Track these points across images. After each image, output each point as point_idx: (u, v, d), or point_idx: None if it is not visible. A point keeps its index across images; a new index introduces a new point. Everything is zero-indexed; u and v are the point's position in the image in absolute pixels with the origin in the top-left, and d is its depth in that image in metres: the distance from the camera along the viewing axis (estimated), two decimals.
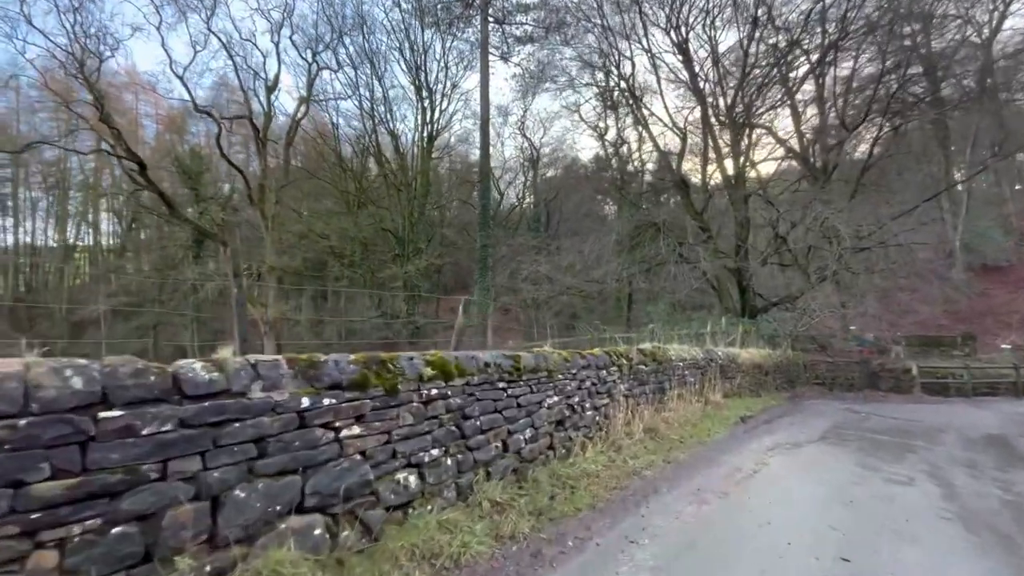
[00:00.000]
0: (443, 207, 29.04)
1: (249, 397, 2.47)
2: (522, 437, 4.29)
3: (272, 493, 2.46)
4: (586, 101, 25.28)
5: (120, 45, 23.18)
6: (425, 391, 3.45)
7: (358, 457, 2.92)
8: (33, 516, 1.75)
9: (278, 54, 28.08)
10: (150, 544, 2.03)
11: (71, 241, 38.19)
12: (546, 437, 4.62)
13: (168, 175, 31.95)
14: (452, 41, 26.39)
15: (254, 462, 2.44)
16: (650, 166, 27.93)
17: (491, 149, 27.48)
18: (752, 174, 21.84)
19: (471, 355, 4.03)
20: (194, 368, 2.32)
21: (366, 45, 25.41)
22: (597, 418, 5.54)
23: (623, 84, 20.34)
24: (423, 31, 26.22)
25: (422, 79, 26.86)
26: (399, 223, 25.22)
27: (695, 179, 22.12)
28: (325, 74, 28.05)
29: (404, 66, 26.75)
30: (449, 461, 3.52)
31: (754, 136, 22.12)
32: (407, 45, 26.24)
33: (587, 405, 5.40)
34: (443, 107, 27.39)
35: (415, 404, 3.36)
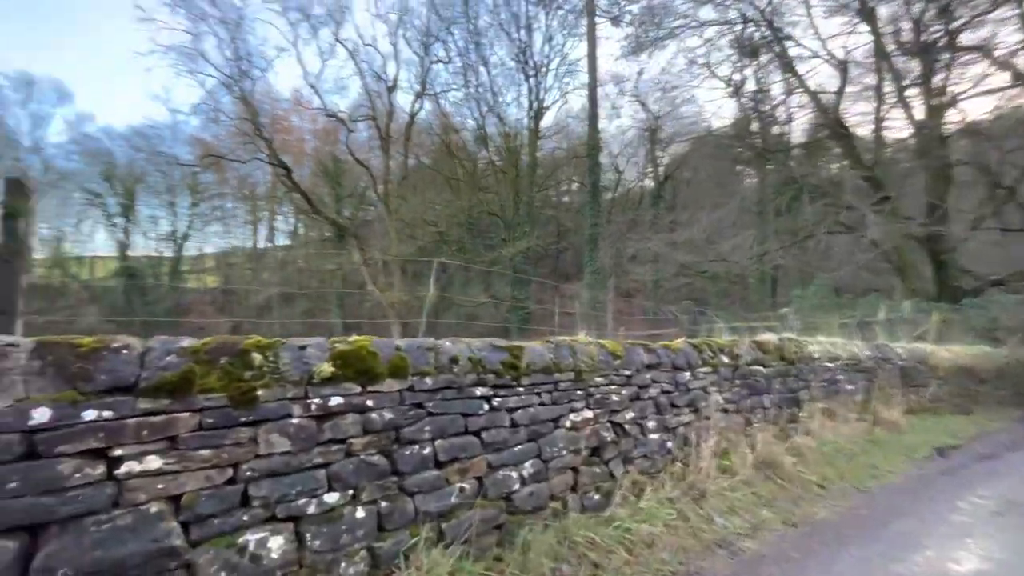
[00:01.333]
0: (550, 188, 27.59)
1: None
2: (516, 474, 2.77)
3: None
4: (716, 51, 21.31)
5: (269, 65, 26.55)
6: (318, 400, 2.18)
7: (155, 508, 1.77)
8: None
9: (396, 55, 29.59)
10: None
11: (257, 243, 46.06)
12: (565, 474, 3.02)
13: (318, 179, 36.18)
14: (556, 9, 24.64)
15: None
16: (799, 123, 22.61)
17: (605, 122, 25.20)
18: (954, 116, 15.94)
19: (428, 344, 2.64)
20: None
21: (470, 27, 25.05)
22: (669, 444, 3.70)
23: (761, 14, 16.38)
24: (526, 3, 24.94)
25: (527, 56, 25.68)
26: (506, 207, 24.57)
27: (862, 132, 17.00)
28: (439, 69, 28.74)
29: (508, 44, 25.85)
30: (360, 512, 2.21)
31: (955, 62, 16.04)
32: (511, 21, 25.25)
33: (650, 425, 3.60)
34: (549, 84, 25.91)
35: (295, 421, 2.11)
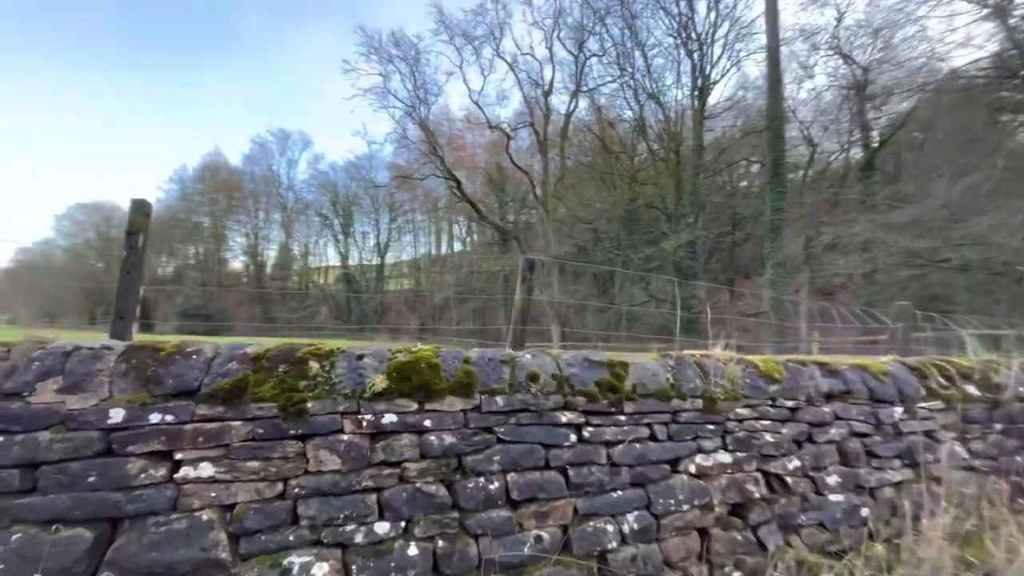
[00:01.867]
0: (721, 172, 24.34)
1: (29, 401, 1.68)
2: (613, 528, 2.15)
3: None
4: None
5: (440, 90, 29.69)
6: (370, 416, 1.97)
7: (207, 517, 1.76)
8: None
9: (551, 58, 30.10)
10: None
11: (440, 250, 52.33)
12: (687, 535, 2.25)
13: (487, 187, 39.15)
14: None
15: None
16: None
17: (791, 87, 21.28)
18: None
19: (502, 357, 2.24)
20: None
21: (624, 12, 23.80)
22: (864, 512, 2.55)
23: None
24: None
25: (688, 30, 23.22)
26: (667, 197, 22.64)
27: None
28: (593, 64, 28.16)
29: (667, 22, 23.76)
30: (413, 549, 1.92)
31: None
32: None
33: (830, 481, 2.53)
34: (715, 56, 22.97)
35: (346, 438, 1.93)
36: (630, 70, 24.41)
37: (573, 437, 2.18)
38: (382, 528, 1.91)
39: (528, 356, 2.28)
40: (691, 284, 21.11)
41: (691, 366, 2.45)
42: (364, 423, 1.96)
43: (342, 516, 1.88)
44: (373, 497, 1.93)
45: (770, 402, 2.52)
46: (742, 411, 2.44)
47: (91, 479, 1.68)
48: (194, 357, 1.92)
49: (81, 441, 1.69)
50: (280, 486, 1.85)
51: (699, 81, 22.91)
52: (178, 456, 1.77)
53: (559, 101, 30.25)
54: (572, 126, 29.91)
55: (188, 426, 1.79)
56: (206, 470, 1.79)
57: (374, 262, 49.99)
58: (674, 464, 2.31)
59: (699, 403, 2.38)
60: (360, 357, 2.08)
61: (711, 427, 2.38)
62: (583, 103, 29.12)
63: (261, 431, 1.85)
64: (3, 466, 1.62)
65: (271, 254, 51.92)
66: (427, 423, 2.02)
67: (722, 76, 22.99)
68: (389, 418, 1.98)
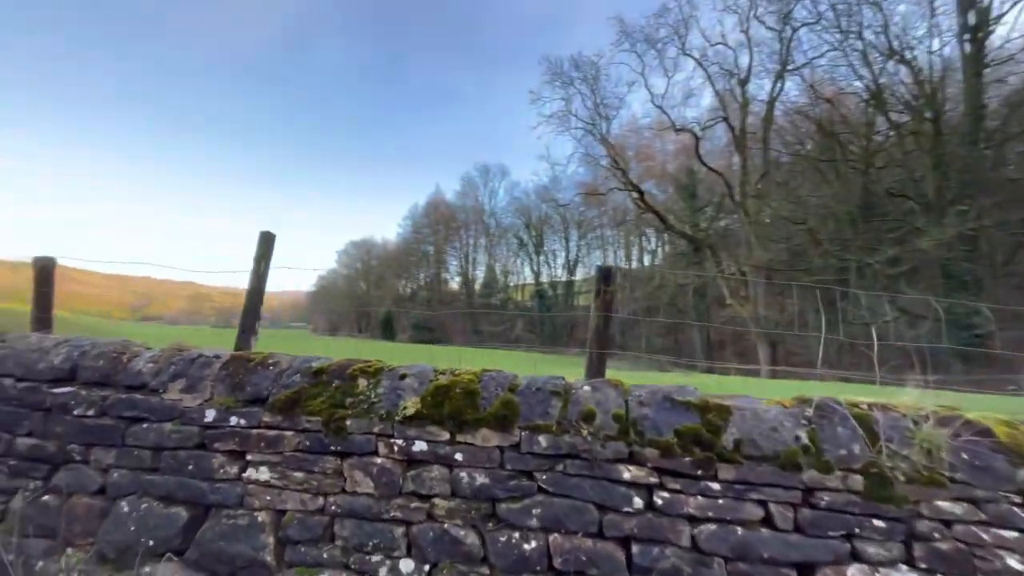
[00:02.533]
0: (1012, 139, 17.12)
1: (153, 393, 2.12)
2: None
3: (152, 523, 1.96)
4: None
5: (622, 102, 29.16)
6: (401, 441, 1.86)
7: (262, 518, 1.90)
8: None
9: (748, 42, 26.51)
10: None
11: (632, 264, 51.25)
12: None
13: (678, 195, 36.70)
14: None
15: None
16: None
17: None
18: None
19: (554, 386, 1.86)
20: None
21: None
22: None
23: None
24: None
25: None
26: (923, 180, 17.24)
27: None
28: (802, 36, 23.66)
29: None
30: None
31: None
32: None
33: None
34: None
35: (379, 461, 1.86)
36: (856, 29, 19.61)
37: (639, 501, 1.64)
38: (407, 567, 1.76)
39: (587, 388, 1.84)
40: (974, 292, 15.42)
41: (845, 420, 1.61)
42: (395, 448, 1.85)
43: (371, 544, 1.80)
44: (401, 530, 1.80)
45: (1017, 497, 1.45)
46: (947, 505, 1.47)
47: (190, 467, 2.00)
48: (271, 367, 2.14)
49: (187, 433, 2.04)
50: (321, 500, 1.88)
51: (971, 18, 16.86)
52: (248, 457, 1.98)
53: (758, 88, 26.31)
54: (780, 113, 25.61)
55: (255, 431, 1.98)
56: (264, 474, 1.94)
57: (564, 279, 51.84)
58: (805, 571, 1.52)
59: (857, 481, 1.52)
60: (403, 377, 2.00)
61: (880, 524, 1.49)
62: (791, 84, 24.69)
63: (307, 443, 1.93)
64: (142, 447, 2.06)
65: (479, 275, 59.02)
66: (458, 456, 1.80)
67: (1013, 5, 16.43)
68: (419, 445, 1.83)
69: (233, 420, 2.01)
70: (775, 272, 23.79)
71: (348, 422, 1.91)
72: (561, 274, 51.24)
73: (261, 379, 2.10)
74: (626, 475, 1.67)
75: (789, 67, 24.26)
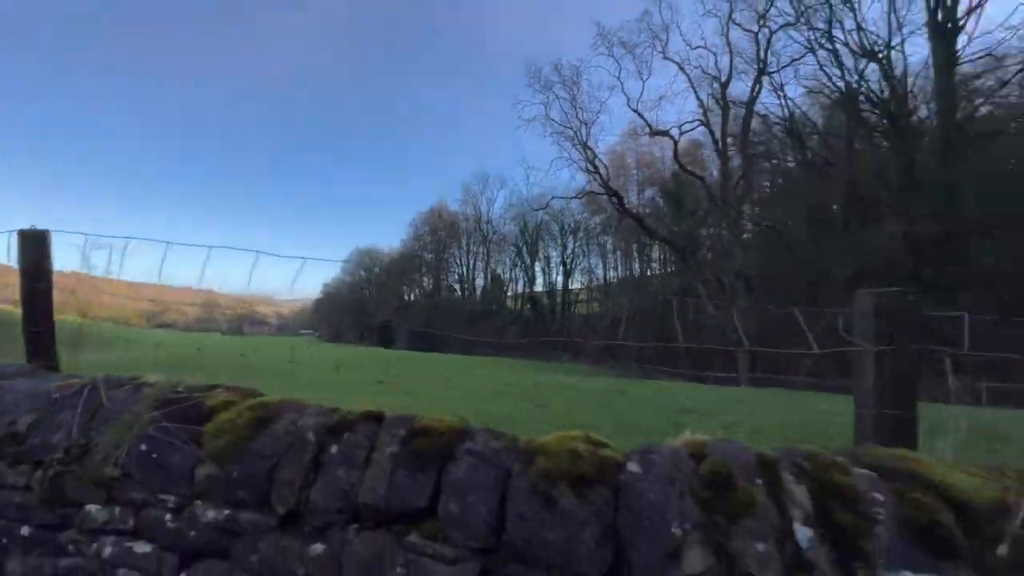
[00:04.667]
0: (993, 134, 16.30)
1: None
2: None
3: None
4: None
5: (602, 106, 28.95)
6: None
7: None
8: None
9: (728, 45, 26.13)
10: None
11: (619, 272, 50.62)
12: None
13: (661, 202, 36.22)
14: None
15: None
16: None
17: None
18: None
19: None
20: None
21: None
22: None
23: None
24: None
25: None
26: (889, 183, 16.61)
27: None
28: (781, 36, 23.17)
29: None
30: None
31: None
32: None
33: None
34: None
35: None
36: (822, 29, 19.13)
37: None
38: None
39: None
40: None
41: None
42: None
43: None
44: None
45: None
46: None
47: None
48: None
49: None
50: None
51: (939, 15, 16.27)
52: None
53: (741, 91, 25.81)
54: (758, 115, 25.07)
55: None
56: None
57: (558, 287, 51.38)
58: None
59: None
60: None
61: None
62: (769, 86, 24.15)
63: None
64: None
65: (479, 282, 59.05)
66: None
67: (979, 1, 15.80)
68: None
69: None
70: (753, 279, 23.13)
71: None
72: (557, 281, 50.89)
73: None
74: None
75: (768, 69, 23.83)
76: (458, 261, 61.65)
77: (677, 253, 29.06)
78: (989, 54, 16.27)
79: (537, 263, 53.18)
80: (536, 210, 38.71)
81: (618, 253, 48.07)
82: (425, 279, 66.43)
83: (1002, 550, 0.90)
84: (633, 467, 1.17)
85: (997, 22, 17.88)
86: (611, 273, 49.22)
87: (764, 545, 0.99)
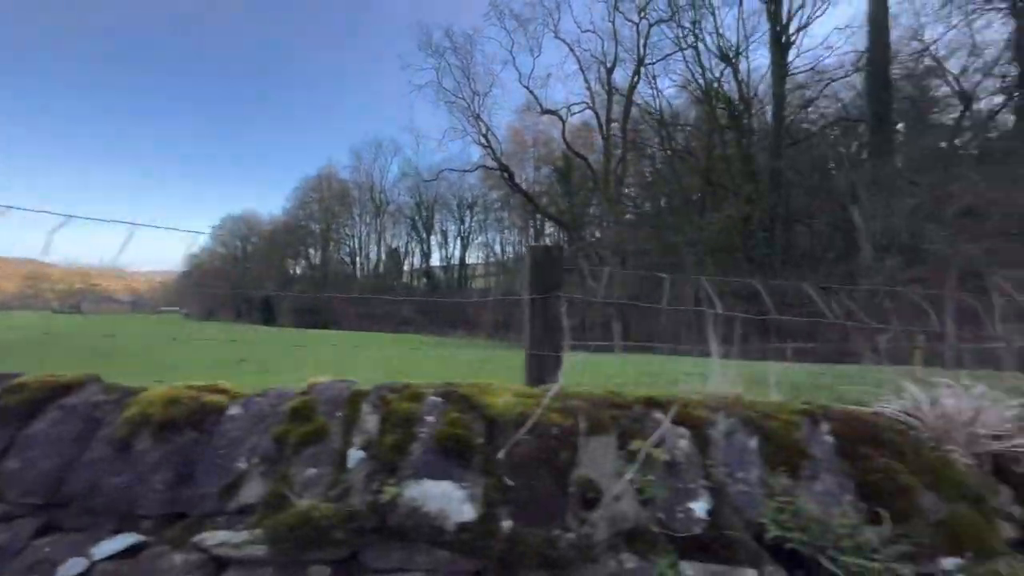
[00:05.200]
0: (811, 136, 19.48)
1: None
2: None
3: None
4: None
5: (495, 79, 28.69)
6: None
7: None
8: None
9: (614, 32, 27.33)
10: None
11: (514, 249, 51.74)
12: None
13: (552, 180, 37.37)
14: None
15: None
16: None
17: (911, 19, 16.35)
18: None
19: None
20: None
21: None
22: None
23: None
24: None
25: None
26: (734, 173, 18.94)
27: None
28: (657, 31, 24.82)
29: None
30: None
31: None
32: None
33: None
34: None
35: None
36: (689, 28, 20.90)
37: None
38: None
39: None
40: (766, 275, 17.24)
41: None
42: None
43: None
44: None
45: None
46: None
47: None
48: None
49: None
50: None
51: (777, 28, 18.68)
52: None
53: (625, 78, 27.34)
54: (640, 105, 26.88)
55: None
56: None
57: (454, 262, 51.10)
58: None
59: None
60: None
61: None
62: (646, 77, 25.94)
63: None
64: None
65: (371, 256, 56.27)
66: None
67: (807, 21, 18.43)
68: None
69: None
70: (629, 255, 25.21)
71: None
72: (455, 255, 50.49)
73: None
74: None
75: (648, 62, 25.51)
76: (349, 232, 58.11)
77: (564, 229, 30.48)
78: (812, 68, 19.23)
79: (433, 237, 52.13)
80: (427, 180, 37.59)
81: (515, 229, 48.98)
82: (312, 251, 61.74)
83: (500, 454, 1.07)
84: (234, 410, 1.18)
85: (823, 40, 21.05)
86: (508, 249, 50.10)
87: (317, 470, 1.07)
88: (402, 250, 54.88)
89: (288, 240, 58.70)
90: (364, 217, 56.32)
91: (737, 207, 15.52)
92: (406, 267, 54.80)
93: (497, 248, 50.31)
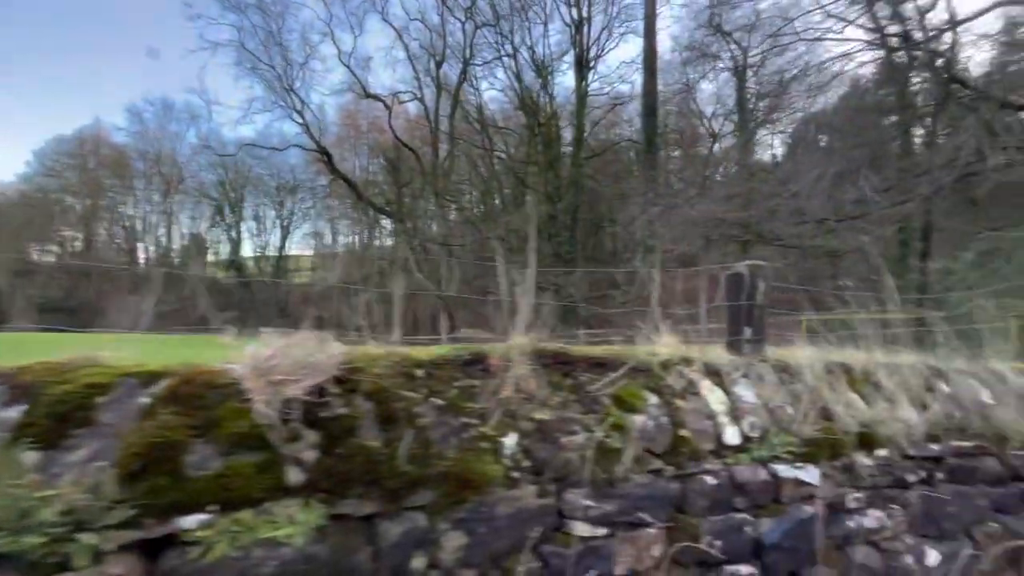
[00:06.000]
0: (602, 152, 23.18)
1: None
2: None
3: None
4: None
5: (312, 51, 26.16)
6: None
7: None
8: None
9: (443, 27, 27.63)
10: None
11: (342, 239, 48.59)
12: None
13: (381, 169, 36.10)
14: None
15: None
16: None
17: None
18: None
19: None
20: None
21: None
22: None
23: None
24: None
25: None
26: (547, 178, 21.21)
27: None
28: (484, 34, 25.94)
29: None
30: None
31: None
32: None
33: None
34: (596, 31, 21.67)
35: None
36: (507, 37, 22.61)
37: None
38: None
39: None
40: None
41: None
42: None
43: None
44: None
45: None
46: None
47: None
48: None
49: None
50: None
51: (579, 53, 21.54)
52: None
53: (453, 72, 27.89)
54: (467, 101, 27.83)
55: None
56: None
57: (269, 252, 45.64)
58: None
59: None
60: None
61: None
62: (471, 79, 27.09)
63: None
64: None
65: (161, 240, 46.40)
66: None
67: (602, 52, 21.68)
68: None
69: None
70: (455, 248, 26.13)
71: None
72: (268, 245, 44.91)
73: None
74: None
75: (474, 62, 26.52)
76: (130, 211, 47.10)
77: (393, 221, 29.96)
78: (606, 93, 22.75)
79: (243, 224, 45.56)
80: (224, 155, 32.68)
81: (348, 220, 45.98)
82: (70, 232, 48.14)
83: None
84: None
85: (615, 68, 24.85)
86: (340, 240, 46.79)
87: None
88: (207, 236, 46.68)
89: (29, 217, 44.59)
90: (152, 195, 46.23)
91: (538, 206, 17.60)
92: (211, 257, 46.78)
93: (328, 239, 46.55)
